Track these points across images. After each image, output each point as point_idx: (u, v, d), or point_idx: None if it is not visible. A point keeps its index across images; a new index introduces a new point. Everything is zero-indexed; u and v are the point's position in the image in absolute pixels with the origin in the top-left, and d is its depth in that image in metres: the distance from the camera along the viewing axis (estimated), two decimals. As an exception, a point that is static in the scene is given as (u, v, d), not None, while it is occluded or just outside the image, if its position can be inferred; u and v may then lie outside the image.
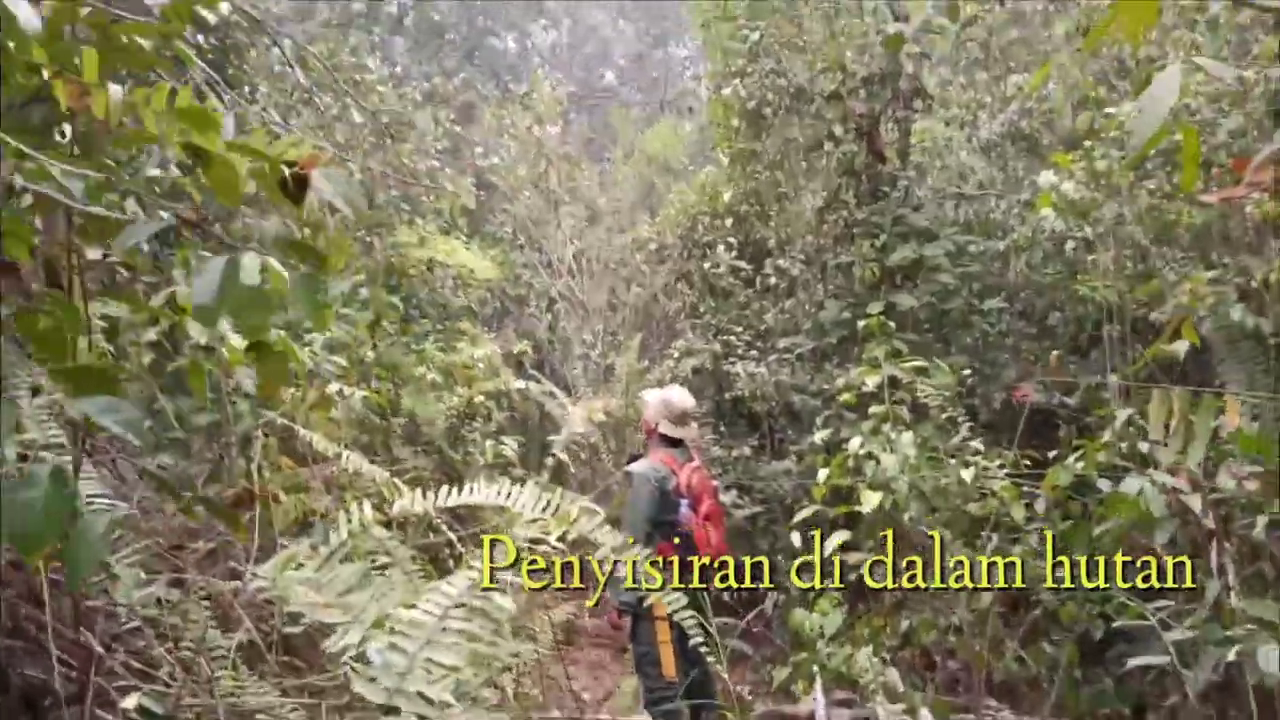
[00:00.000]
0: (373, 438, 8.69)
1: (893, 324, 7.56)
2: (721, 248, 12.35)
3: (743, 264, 12.51)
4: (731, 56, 11.81)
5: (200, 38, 8.35)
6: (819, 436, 7.99)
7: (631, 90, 33.52)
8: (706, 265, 12.36)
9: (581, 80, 31.99)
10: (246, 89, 10.07)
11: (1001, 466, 6.52)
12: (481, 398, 10.80)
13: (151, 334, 3.71)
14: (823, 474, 6.75)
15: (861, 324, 7.64)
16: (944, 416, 7.10)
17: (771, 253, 12.50)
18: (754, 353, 11.45)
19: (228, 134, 2.48)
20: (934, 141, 11.34)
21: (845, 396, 7.56)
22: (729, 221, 12.76)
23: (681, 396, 6.46)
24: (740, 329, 11.92)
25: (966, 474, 6.29)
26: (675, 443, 6.37)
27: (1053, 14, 10.43)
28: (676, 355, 12.06)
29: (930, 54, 10.13)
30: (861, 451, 6.60)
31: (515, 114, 17.78)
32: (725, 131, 12.61)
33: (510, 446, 10.34)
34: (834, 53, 10.37)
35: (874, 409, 6.95)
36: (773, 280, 11.84)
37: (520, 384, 12.24)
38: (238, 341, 3.67)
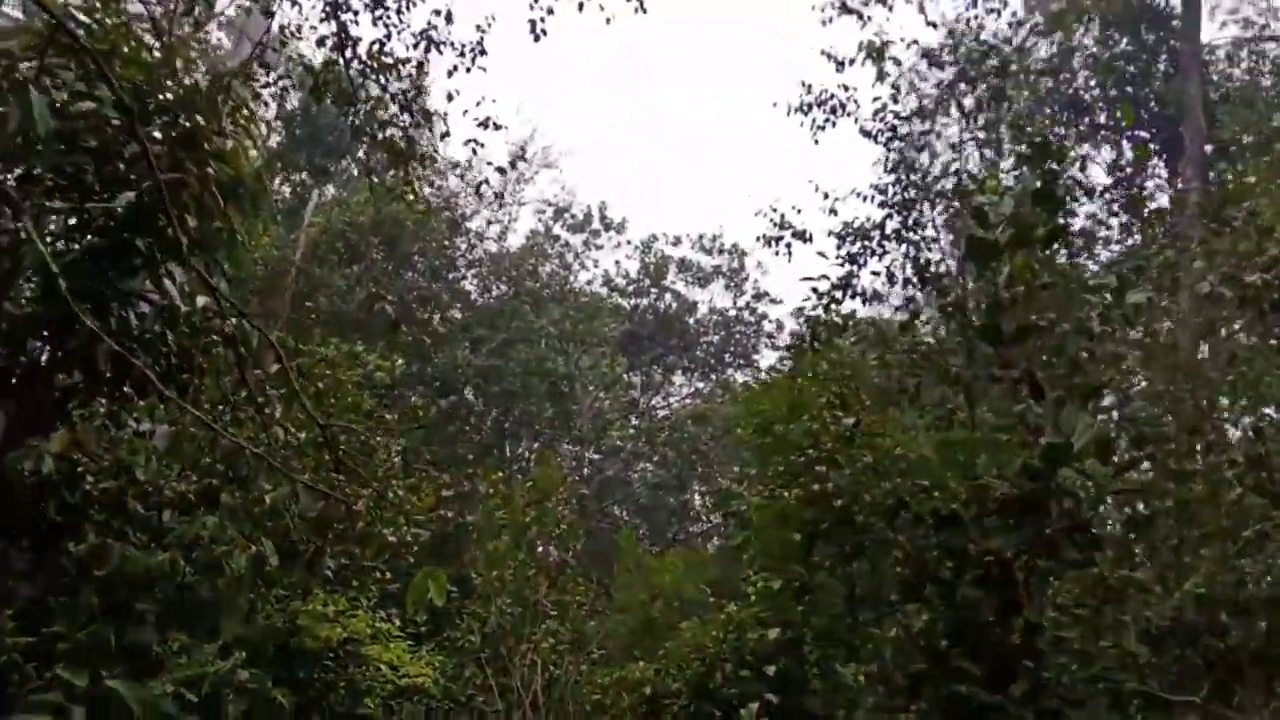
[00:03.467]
0: None
1: None
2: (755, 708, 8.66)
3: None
4: (789, 453, 9.11)
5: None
6: None
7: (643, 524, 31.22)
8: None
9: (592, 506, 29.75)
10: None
11: None
12: None
13: None
14: None
15: None
16: None
17: (818, 730, 8.77)
18: None
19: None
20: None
21: None
22: (769, 670, 9.18)
23: None
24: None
25: None
26: None
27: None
28: None
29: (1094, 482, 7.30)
30: None
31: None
32: (770, 548, 9.55)
33: None
34: (954, 462, 7.62)
35: None
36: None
37: None
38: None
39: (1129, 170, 27.31)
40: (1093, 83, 27.93)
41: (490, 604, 14.51)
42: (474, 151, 9.77)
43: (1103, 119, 27.88)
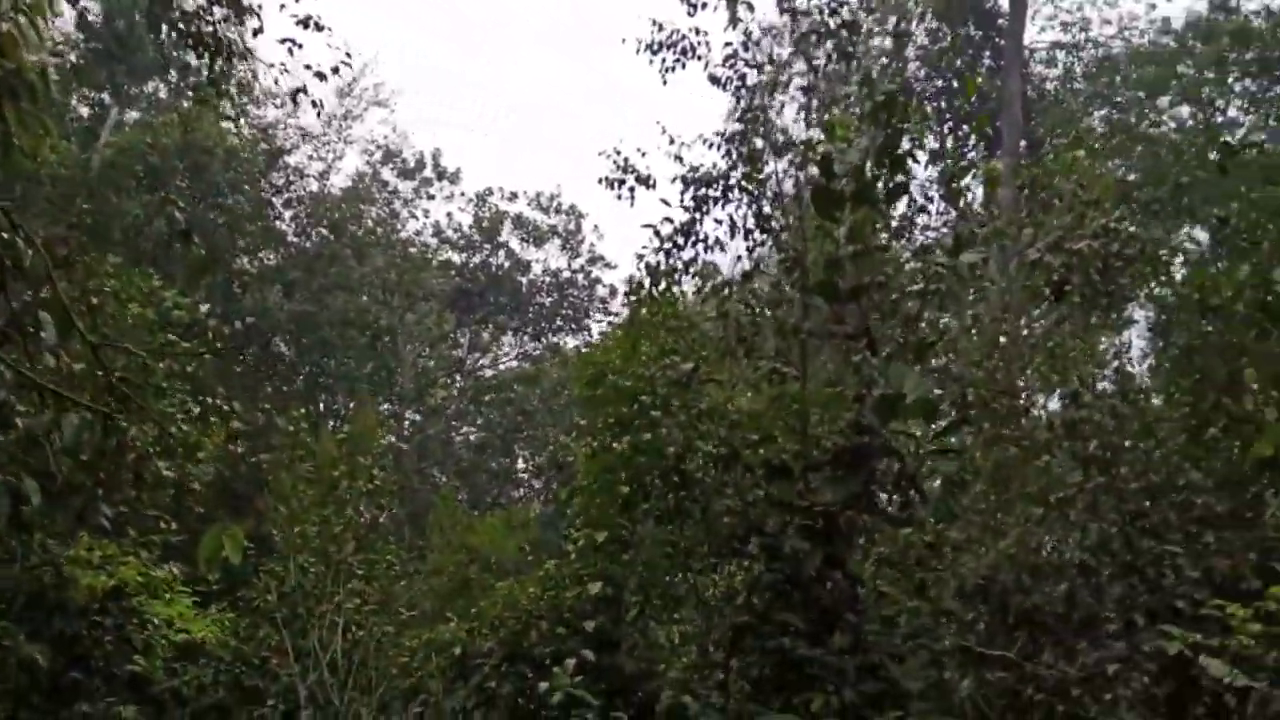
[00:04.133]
0: None
1: None
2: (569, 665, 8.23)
3: (589, 697, 8.31)
4: (621, 403, 8.72)
5: None
6: None
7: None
8: (542, 687, 8.11)
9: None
10: None
11: None
12: None
13: None
14: None
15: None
16: None
17: (633, 690, 8.47)
18: None
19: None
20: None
21: None
22: (587, 626, 8.80)
23: None
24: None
25: None
26: None
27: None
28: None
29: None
30: None
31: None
32: (596, 501, 9.16)
33: None
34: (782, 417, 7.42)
35: None
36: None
37: None
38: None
39: (950, 161, 28.59)
40: (922, 73, 29.00)
41: (290, 562, 13.50)
42: (290, 51, 8.79)
43: (929, 109, 28.92)
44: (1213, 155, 21.63)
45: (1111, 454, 8.84)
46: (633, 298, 9.21)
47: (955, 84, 28.43)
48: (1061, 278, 10.82)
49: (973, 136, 25.93)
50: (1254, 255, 11.13)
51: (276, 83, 9.43)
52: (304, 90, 9.24)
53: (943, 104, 28.42)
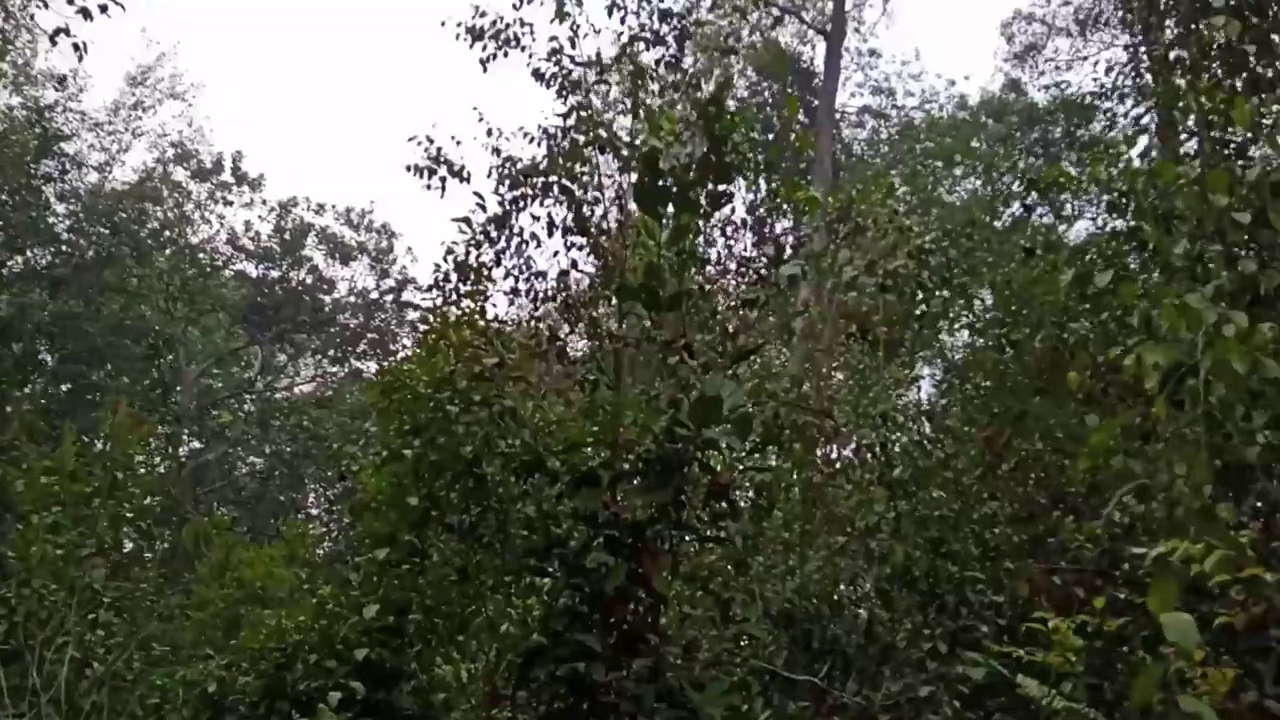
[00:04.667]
0: None
1: None
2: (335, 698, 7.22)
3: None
4: (420, 407, 7.88)
5: None
6: None
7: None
8: (302, 723, 7.08)
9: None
10: None
11: None
12: None
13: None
14: None
15: None
16: None
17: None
18: None
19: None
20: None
21: None
22: (357, 656, 7.82)
23: None
24: None
25: None
26: None
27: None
28: None
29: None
30: None
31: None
32: (384, 517, 8.24)
33: None
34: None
35: None
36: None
37: None
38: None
39: (764, 209, 29.53)
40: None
41: (23, 588, 11.65)
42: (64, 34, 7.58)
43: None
44: (997, 223, 23.28)
45: (916, 482, 8.84)
46: (436, 293, 8.46)
47: (771, 137, 29.47)
48: (863, 324, 10.96)
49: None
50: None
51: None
52: (65, 31, 8.03)
53: (759, 155, 29.31)
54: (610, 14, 9.48)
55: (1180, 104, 9.42)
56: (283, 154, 58.85)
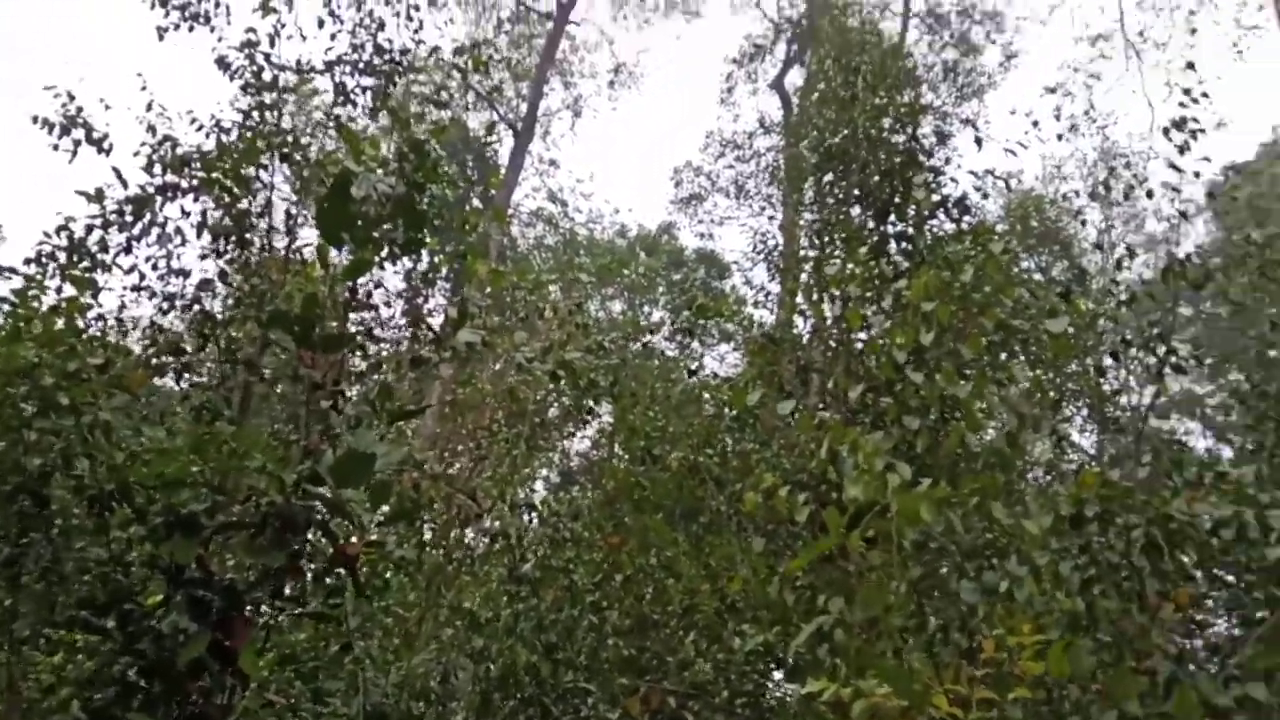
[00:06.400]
0: None
1: None
2: None
3: None
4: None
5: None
6: None
7: None
8: None
9: None
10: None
11: None
12: None
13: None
14: None
15: None
16: None
17: None
18: None
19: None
20: None
21: None
22: None
23: None
24: None
25: None
26: None
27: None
28: None
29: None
30: None
31: None
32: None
33: None
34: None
35: None
36: None
37: None
38: None
39: (419, 284, 28.77)
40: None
41: None
42: None
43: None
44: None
45: (542, 577, 8.52)
46: (37, 269, 6.84)
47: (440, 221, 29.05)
48: (521, 409, 10.71)
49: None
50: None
51: None
52: None
53: (447, 215, 28.82)
54: (321, 25, 8.67)
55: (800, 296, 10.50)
56: None
